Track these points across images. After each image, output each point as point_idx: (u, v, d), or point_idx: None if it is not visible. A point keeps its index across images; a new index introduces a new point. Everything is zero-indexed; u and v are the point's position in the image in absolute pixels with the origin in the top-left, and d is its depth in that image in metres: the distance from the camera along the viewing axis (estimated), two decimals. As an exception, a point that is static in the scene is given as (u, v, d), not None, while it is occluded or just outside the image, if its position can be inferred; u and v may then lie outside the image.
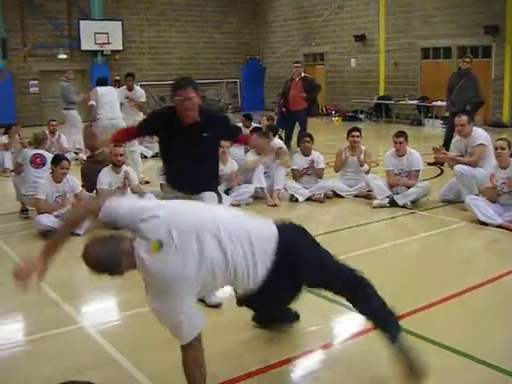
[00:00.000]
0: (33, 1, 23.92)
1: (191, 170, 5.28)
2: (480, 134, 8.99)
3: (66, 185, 8.18)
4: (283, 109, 14.45)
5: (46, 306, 5.59)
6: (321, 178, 9.89)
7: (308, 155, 9.89)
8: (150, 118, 5.86)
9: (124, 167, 8.62)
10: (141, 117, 11.96)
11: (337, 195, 9.83)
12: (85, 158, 11.34)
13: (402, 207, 8.93)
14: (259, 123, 12.87)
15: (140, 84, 14.11)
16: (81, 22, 24.77)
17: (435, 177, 11.28)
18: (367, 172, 9.83)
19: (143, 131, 5.89)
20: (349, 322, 5.17)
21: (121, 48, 25.87)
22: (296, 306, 4.92)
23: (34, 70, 24.53)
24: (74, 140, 15.12)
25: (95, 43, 25.01)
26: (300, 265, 3.80)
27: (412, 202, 9.02)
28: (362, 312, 4.24)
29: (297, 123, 14.17)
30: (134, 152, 11.62)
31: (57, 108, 24.04)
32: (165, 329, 3.54)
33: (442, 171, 11.67)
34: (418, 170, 9.15)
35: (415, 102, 22.19)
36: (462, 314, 5.22)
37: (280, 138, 11.99)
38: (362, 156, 9.85)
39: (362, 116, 24.09)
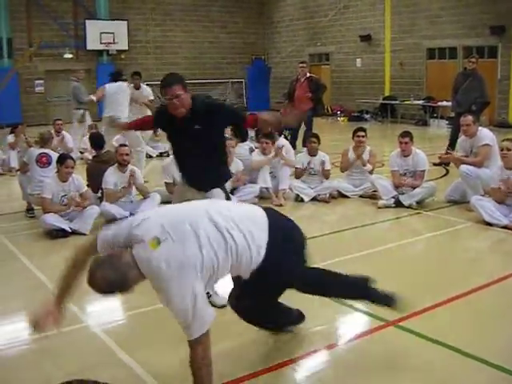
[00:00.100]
0: (39, 1, 23.99)
1: (193, 165, 5.36)
2: (485, 135, 8.97)
3: (72, 184, 8.19)
4: (287, 110, 14.42)
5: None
6: (327, 178, 9.88)
7: (314, 155, 9.88)
8: (156, 114, 5.86)
9: (130, 166, 8.62)
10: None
11: (342, 195, 9.82)
12: (90, 158, 11.35)
13: (408, 207, 8.91)
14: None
15: (146, 84, 14.07)
16: (86, 21, 24.83)
17: (441, 177, 11.26)
18: (371, 172, 9.83)
19: (156, 124, 6.02)
20: (353, 323, 5.17)
21: (126, 48, 25.93)
22: (300, 306, 4.94)
23: (40, 69, 24.59)
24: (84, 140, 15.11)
25: (101, 43, 25.07)
26: (291, 241, 3.98)
27: (417, 203, 9.00)
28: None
29: (302, 123, 14.14)
30: (140, 152, 11.63)
31: (62, 107, 24.25)
32: (177, 323, 3.54)
33: (448, 171, 11.65)
34: (424, 171, 9.13)
35: (421, 102, 22.16)
36: (467, 314, 5.21)
37: (285, 137, 11.98)
38: (366, 156, 9.85)
39: (367, 116, 24.08)
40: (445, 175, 11.51)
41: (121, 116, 11.66)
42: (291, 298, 4.52)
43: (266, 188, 9.69)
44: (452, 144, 11.27)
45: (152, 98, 13.31)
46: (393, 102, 23.39)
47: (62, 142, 13.37)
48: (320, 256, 6.81)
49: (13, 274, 6.61)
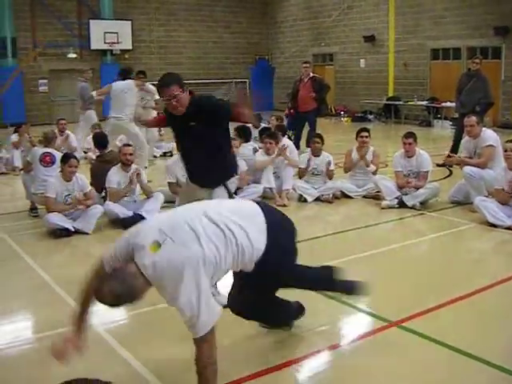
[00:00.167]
0: (43, 0, 24.02)
1: (194, 161, 5.50)
2: (489, 135, 8.96)
3: (76, 184, 8.20)
4: (291, 110, 14.43)
5: (54, 304, 5.62)
6: (331, 178, 9.87)
7: (318, 156, 9.88)
8: (165, 113, 5.85)
9: (133, 166, 8.63)
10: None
11: (345, 196, 9.81)
12: (94, 158, 11.35)
13: (411, 208, 8.90)
14: (268, 123, 12.87)
15: (150, 83, 14.05)
16: (91, 21, 24.84)
17: (444, 178, 11.25)
18: (374, 172, 9.82)
19: (167, 123, 5.96)
20: (356, 323, 5.17)
21: (130, 47, 25.94)
22: (304, 306, 4.94)
23: (44, 69, 24.61)
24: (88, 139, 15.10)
25: (105, 42, 25.07)
26: (286, 230, 4.14)
27: (421, 203, 8.99)
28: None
29: (306, 123, 14.14)
30: (141, 155, 11.56)
31: (65, 107, 24.29)
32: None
33: (451, 172, 11.64)
34: (427, 171, 9.12)
35: (424, 102, 22.14)
36: (470, 315, 5.20)
37: (289, 138, 11.99)
38: (369, 156, 9.85)
39: (371, 117, 24.06)
40: (448, 176, 11.50)
41: (122, 116, 11.53)
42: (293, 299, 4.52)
43: (270, 188, 9.69)
44: (456, 145, 11.26)
45: (158, 96, 13.25)
46: (396, 102, 23.37)
47: (66, 142, 13.39)
48: (323, 256, 6.83)
49: (16, 273, 6.62)
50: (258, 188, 9.53)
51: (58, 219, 7.89)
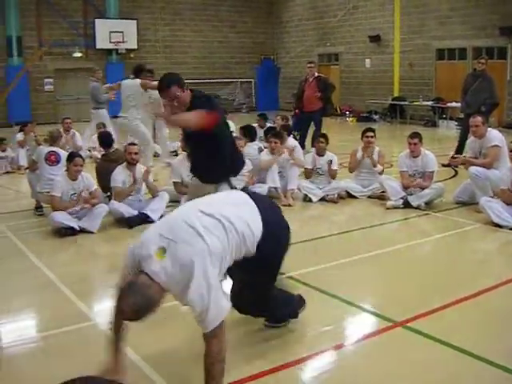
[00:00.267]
0: (49, -1, 24.10)
1: (195, 160, 5.68)
2: (495, 136, 8.94)
3: (82, 183, 8.21)
4: (296, 110, 14.42)
5: (59, 302, 5.63)
6: (334, 178, 9.87)
7: (322, 155, 9.88)
8: None
9: (138, 165, 8.63)
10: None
11: (350, 196, 9.80)
12: (99, 157, 11.36)
13: (416, 208, 8.89)
14: (274, 123, 12.87)
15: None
16: (96, 20, 24.91)
17: (449, 178, 11.23)
18: (381, 172, 9.81)
19: None
20: (361, 323, 5.16)
21: (135, 47, 25.98)
22: (308, 305, 4.94)
23: (49, 68, 24.67)
24: (93, 138, 15.10)
25: (110, 42, 25.14)
26: (279, 216, 4.31)
27: (426, 204, 8.98)
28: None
29: (312, 123, 14.14)
30: (145, 155, 11.54)
31: (71, 106, 24.37)
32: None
33: (456, 173, 11.62)
34: (433, 172, 9.10)
35: (430, 103, 22.12)
36: (475, 315, 5.19)
37: (294, 138, 11.99)
38: (376, 156, 9.84)
39: (376, 117, 24.04)
40: (453, 176, 11.48)
41: (126, 115, 11.41)
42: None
43: (275, 188, 9.68)
44: (461, 145, 11.23)
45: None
46: (402, 102, 23.35)
47: (71, 141, 13.42)
48: (328, 256, 6.84)
49: (21, 271, 6.63)
50: (263, 188, 9.51)
51: (63, 218, 7.90)
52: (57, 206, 8.05)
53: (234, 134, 9.27)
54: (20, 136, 13.64)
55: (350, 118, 24.56)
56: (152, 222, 7.85)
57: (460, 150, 11.73)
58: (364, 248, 7.15)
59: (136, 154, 8.54)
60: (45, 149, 9.31)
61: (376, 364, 4.30)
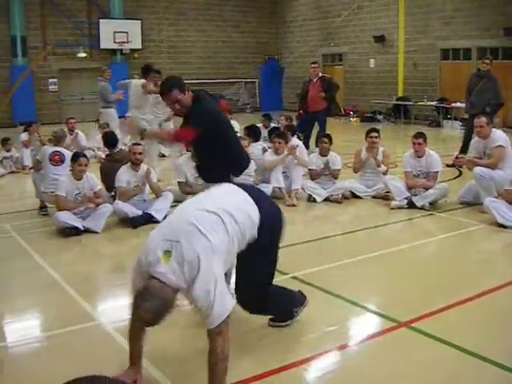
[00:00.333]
0: (53, -1, 24.13)
1: (198, 159, 5.86)
2: (499, 136, 8.92)
3: (86, 183, 8.22)
4: (301, 111, 14.41)
5: (63, 302, 5.64)
6: (336, 178, 9.87)
7: (325, 156, 9.88)
8: None
9: (143, 165, 8.63)
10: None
11: (354, 196, 9.80)
12: (103, 157, 11.36)
13: (420, 209, 8.88)
14: (277, 123, 12.86)
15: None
16: (100, 20, 24.92)
17: (454, 178, 11.22)
18: (385, 173, 9.80)
19: None
20: (365, 323, 5.16)
21: (140, 47, 25.98)
22: (312, 305, 4.94)
23: (54, 68, 24.68)
24: (97, 138, 15.09)
25: (114, 42, 25.14)
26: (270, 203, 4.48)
27: (430, 204, 8.97)
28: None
29: (316, 123, 14.12)
30: (150, 155, 11.50)
31: (75, 106, 24.42)
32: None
33: (461, 173, 11.61)
34: (437, 172, 9.10)
35: (434, 103, 22.06)
36: (479, 316, 5.18)
37: (299, 138, 11.99)
38: (380, 157, 9.83)
39: (380, 117, 24.01)
40: (458, 176, 11.47)
41: (129, 115, 11.34)
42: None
43: (279, 188, 9.67)
44: (465, 145, 11.22)
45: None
46: (406, 102, 23.31)
47: (75, 141, 13.43)
48: (333, 256, 6.83)
49: (25, 271, 6.64)
50: (268, 188, 9.49)
51: (67, 218, 7.91)
52: (61, 205, 8.05)
53: (239, 134, 9.26)
54: (24, 136, 13.68)
55: (354, 119, 24.51)
56: (156, 222, 7.86)
57: (464, 150, 11.71)
58: (368, 248, 7.14)
59: (140, 154, 8.54)
60: (49, 149, 9.32)
61: (380, 364, 4.29)
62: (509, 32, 19.36)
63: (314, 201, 9.60)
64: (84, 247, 7.67)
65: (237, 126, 12.58)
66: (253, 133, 10.44)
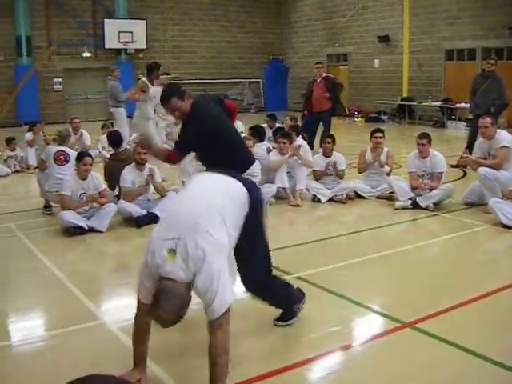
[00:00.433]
0: (58, -1, 24.16)
1: (201, 159, 5.91)
2: (504, 137, 8.91)
3: (91, 182, 8.22)
4: (305, 112, 14.41)
5: (67, 301, 5.64)
6: (341, 178, 9.87)
7: (329, 156, 9.88)
8: None
9: (148, 165, 8.63)
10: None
11: (359, 196, 9.79)
12: (108, 156, 11.36)
13: (425, 209, 8.87)
14: (282, 123, 12.86)
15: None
16: (105, 20, 24.97)
17: (458, 179, 11.20)
18: (388, 173, 9.80)
19: None
20: (369, 324, 5.16)
21: (144, 47, 26.01)
22: (316, 305, 4.94)
23: (58, 67, 24.72)
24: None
25: (119, 42, 25.18)
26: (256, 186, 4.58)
27: (434, 204, 8.96)
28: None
29: (321, 123, 14.12)
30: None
31: (79, 106, 24.46)
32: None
33: (465, 173, 11.60)
34: (442, 172, 9.09)
35: (438, 103, 22.03)
36: (483, 316, 5.18)
37: (303, 138, 11.97)
38: (384, 157, 9.83)
39: (384, 117, 24.00)
40: (462, 177, 11.45)
41: (136, 115, 11.34)
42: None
43: (283, 188, 9.68)
44: (470, 146, 11.19)
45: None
46: (410, 103, 23.29)
47: (80, 140, 13.44)
48: (337, 256, 6.83)
49: (30, 270, 6.65)
50: (272, 188, 9.51)
51: (72, 217, 7.92)
52: (66, 205, 8.06)
53: (243, 135, 9.27)
54: (29, 135, 13.70)
55: (359, 119, 24.50)
56: (161, 221, 7.85)
57: (469, 151, 11.68)
58: (372, 248, 7.14)
59: (145, 153, 8.53)
60: (54, 148, 9.33)
61: (384, 365, 4.29)
62: (514, 32, 19.35)
63: (319, 201, 9.60)
64: (88, 246, 7.68)
65: (241, 126, 12.58)
66: (257, 133, 10.43)
